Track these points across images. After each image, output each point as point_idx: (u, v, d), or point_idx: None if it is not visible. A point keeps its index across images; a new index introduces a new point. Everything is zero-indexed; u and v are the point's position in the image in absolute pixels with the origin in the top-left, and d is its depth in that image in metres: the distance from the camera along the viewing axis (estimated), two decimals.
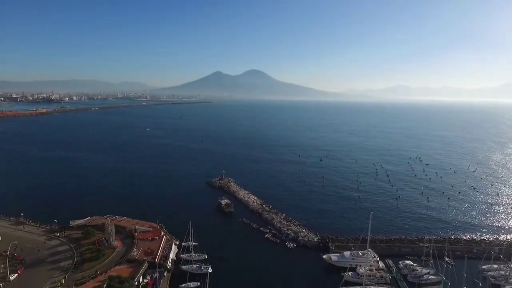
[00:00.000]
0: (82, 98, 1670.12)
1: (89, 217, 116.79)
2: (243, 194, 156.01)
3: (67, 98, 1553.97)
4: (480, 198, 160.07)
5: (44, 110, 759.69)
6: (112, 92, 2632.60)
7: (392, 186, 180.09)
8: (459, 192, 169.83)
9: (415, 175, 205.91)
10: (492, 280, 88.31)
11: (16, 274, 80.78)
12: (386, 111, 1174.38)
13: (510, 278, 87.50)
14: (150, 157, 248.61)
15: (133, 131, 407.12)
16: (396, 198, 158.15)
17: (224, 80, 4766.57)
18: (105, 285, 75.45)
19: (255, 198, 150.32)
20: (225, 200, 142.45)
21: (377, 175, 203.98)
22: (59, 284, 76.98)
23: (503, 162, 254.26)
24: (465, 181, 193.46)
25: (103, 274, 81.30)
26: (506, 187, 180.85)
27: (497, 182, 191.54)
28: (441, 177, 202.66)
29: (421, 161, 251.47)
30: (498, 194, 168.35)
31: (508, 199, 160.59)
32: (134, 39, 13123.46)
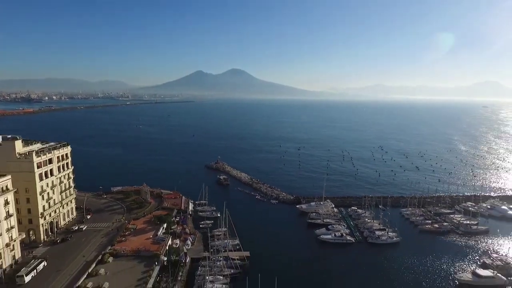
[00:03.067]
0: (63, 98, 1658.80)
1: (121, 186, 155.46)
2: (236, 172, 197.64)
3: (46, 98, 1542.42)
4: (418, 174, 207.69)
5: (31, 110, 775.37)
6: (91, 91, 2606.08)
7: (354, 167, 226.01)
8: (404, 170, 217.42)
9: (374, 160, 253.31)
10: (406, 216, 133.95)
11: (89, 216, 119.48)
12: (362, 109, 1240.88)
13: (416, 214, 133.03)
14: (153, 149, 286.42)
15: (128, 128, 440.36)
16: (355, 174, 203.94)
17: (206, 79, 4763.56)
18: (153, 218, 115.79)
19: (246, 175, 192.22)
20: (223, 176, 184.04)
21: (343, 159, 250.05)
22: (121, 219, 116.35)
23: (447, 150, 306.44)
24: (412, 163, 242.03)
25: (149, 214, 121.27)
26: (441, 167, 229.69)
27: (436, 163, 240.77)
28: (394, 160, 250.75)
29: (382, 149, 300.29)
30: (433, 171, 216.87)
31: (437, 174, 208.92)
32: (111, 37, 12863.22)
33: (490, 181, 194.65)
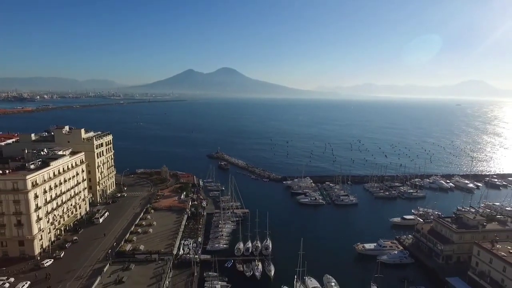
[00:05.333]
0: (54, 97, 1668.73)
1: (142, 169, 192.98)
2: (233, 160, 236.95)
3: (38, 97, 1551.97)
4: (385, 161, 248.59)
5: (30, 108, 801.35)
6: (80, 90, 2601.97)
7: (333, 155, 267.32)
8: (375, 158, 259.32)
9: (351, 150, 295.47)
10: (367, 188, 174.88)
11: (126, 188, 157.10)
12: (350, 107, 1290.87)
13: (374, 187, 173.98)
14: (158, 142, 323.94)
15: (130, 126, 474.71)
16: (333, 161, 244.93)
17: (197, 78, 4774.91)
18: (174, 189, 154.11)
19: (242, 161, 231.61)
20: (223, 162, 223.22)
21: (325, 150, 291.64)
22: (150, 190, 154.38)
23: (415, 143, 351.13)
24: (382, 152, 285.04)
25: (171, 187, 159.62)
26: (405, 155, 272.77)
27: (403, 153, 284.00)
28: (368, 151, 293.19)
29: (359, 142, 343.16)
30: (399, 159, 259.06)
31: (401, 160, 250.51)
32: (98, 36, 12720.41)
33: (439, 164, 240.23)
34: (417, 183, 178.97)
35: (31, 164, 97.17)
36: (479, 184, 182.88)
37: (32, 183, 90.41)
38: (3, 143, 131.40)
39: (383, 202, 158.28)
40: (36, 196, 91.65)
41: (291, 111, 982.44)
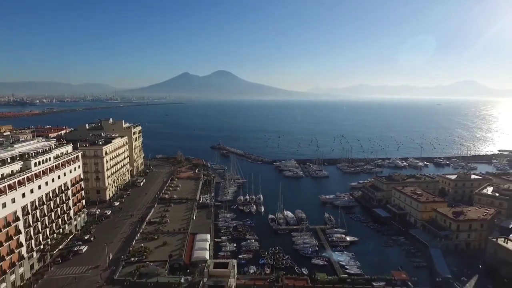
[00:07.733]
0: (53, 101, 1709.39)
1: (161, 155, 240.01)
2: (233, 150, 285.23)
3: (37, 101, 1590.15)
4: (360, 150, 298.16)
5: (37, 112, 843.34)
6: (76, 94, 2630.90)
7: (317, 146, 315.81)
8: (352, 147, 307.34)
9: (334, 143, 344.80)
10: (338, 167, 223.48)
11: (151, 167, 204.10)
12: (343, 107, 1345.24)
13: (344, 165, 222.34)
14: (167, 137, 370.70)
15: None
16: (316, 150, 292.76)
17: (192, 81, 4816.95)
18: (188, 166, 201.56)
19: (240, 150, 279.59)
20: (224, 151, 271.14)
21: (311, 142, 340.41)
22: (171, 168, 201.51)
23: (390, 137, 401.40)
24: (360, 144, 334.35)
25: (186, 166, 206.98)
26: (379, 146, 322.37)
27: (377, 144, 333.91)
28: (348, 143, 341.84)
29: (342, 136, 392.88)
30: (372, 147, 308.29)
31: (374, 149, 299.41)
32: (91, 39, 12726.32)
33: (404, 152, 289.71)
34: (378, 162, 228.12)
35: (99, 141, 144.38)
36: (428, 164, 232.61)
37: (105, 152, 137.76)
38: (62, 132, 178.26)
39: (349, 175, 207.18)
40: (106, 161, 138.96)
41: (285, 111, 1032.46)
